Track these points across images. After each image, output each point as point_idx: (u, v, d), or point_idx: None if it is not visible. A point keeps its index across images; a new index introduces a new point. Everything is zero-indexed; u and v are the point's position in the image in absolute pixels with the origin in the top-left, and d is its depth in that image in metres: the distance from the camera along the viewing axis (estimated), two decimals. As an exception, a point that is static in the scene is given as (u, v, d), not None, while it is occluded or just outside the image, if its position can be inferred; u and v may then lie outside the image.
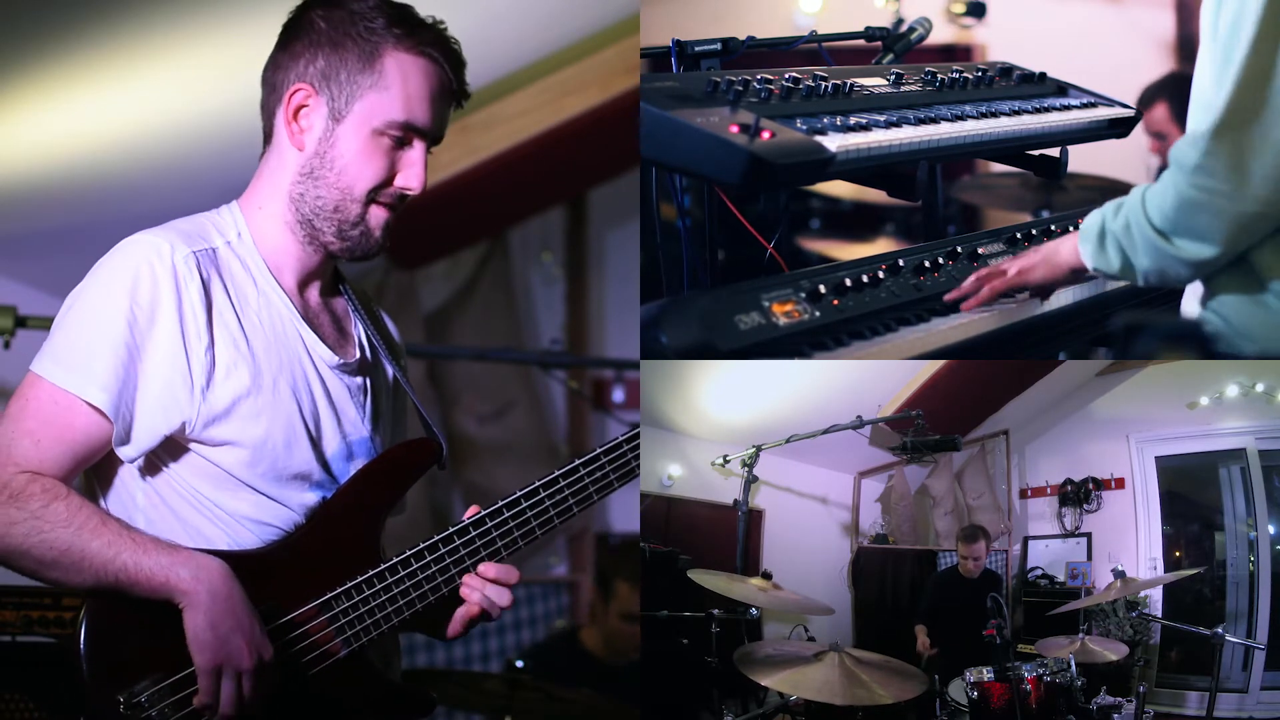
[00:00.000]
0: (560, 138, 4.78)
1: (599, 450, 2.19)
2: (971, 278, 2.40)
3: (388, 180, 2.10)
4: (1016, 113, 2.71)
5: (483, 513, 2.16)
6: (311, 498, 2.12)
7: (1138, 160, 4.88)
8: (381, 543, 2.16)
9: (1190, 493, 3.82)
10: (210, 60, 3.81)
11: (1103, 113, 2.90)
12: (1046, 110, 2.79)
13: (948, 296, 2.38)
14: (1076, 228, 2.30)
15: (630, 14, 4.49)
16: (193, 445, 2.05)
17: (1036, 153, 2.88)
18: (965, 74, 2.79)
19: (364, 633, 2.09)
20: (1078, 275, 2.35)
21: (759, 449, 3.57)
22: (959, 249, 2.53)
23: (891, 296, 2.35)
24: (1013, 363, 3.48)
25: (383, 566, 2.11)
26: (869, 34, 2.97)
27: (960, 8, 4.87)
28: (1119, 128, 2.93)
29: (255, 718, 2.00)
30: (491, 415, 5.66)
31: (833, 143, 2.22)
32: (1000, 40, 5.19)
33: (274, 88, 2.12)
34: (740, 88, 2.34)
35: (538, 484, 2.17)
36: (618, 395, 5.73)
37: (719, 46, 2.60)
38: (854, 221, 5.43)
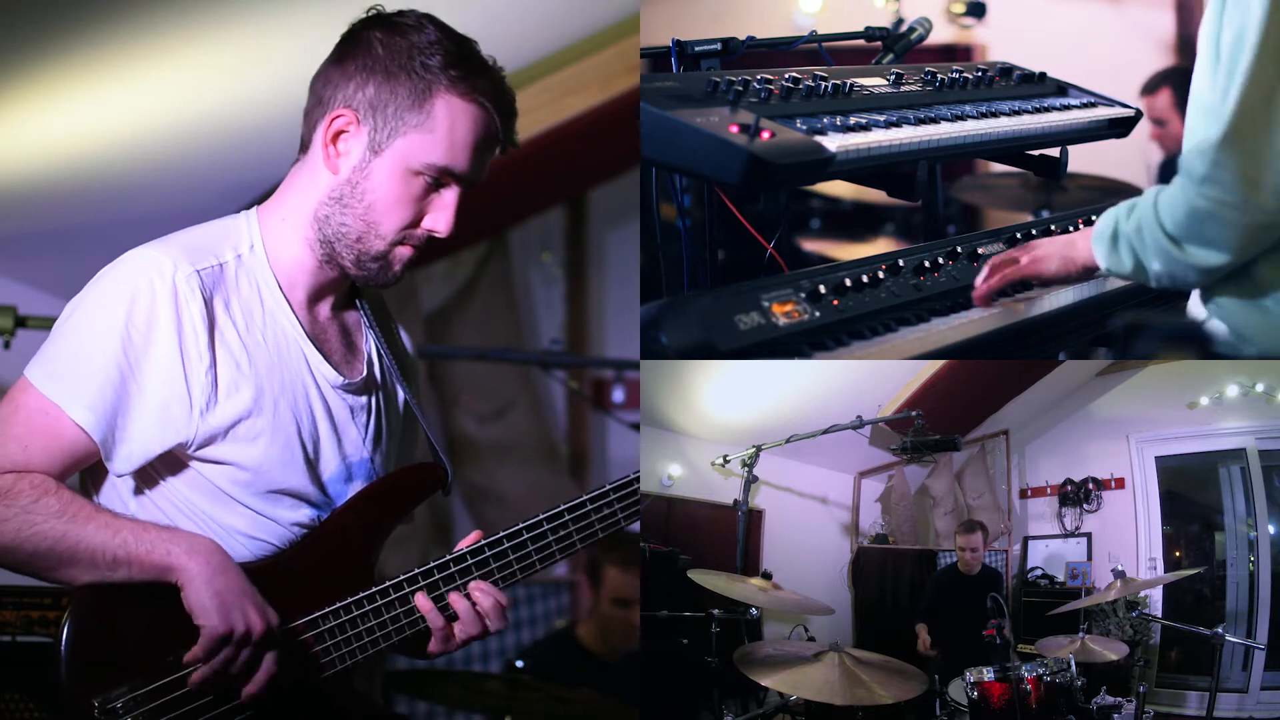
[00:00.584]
0: (560, 138, 4.76)
1: (608, 486, 2.20)
2: (986, 267, 2.40)
3: (416, 221, 2.07)
4: (1016, 113, 2.71)
5: (483, 542, 2.14)
6: (306, 516, 2.10)
7: (1138, 160, 4.89)
8: (378, 566, 2.13)
9: (1190, 493, 3.81)
10: (210, 60, 3.81)
11: (1103, 112, 2.90)
12: (1046, 110, 2.79)
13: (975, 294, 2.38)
14: (1077, 227, 2.30)
15: (630, 14, 4.48)
16: (189, 460, 2.04)
17: (1036, 153, 2.88)
18: (965, 74, 2.79)
19: (349, 655, 2.07)
20: (1090, 273, 2.35)
21: (759, 449, 3.57)
22: (959, 249, 2.53)
23: (891, 296, 2.34)
24: (1013, 363, 3.48)
25: (374, 589, 2.08)
26: (869, 34, 2.97)
27: (960, 8, 4.88)
28: (1119, 127, 2.93)
29: (258, 707, 1.98)
30: (491, 415, 5.65)
31: (832, 143, 2.22)
32: (1000, 40, 5.20)
33: (320, 101, 2.08)
34: (740, 88, 2.34)
35: (541, 516, 2.17)
36: (618, 395, 5.72)
37: (719, 46, 2.60)
38: (854, 221, 5.43)
